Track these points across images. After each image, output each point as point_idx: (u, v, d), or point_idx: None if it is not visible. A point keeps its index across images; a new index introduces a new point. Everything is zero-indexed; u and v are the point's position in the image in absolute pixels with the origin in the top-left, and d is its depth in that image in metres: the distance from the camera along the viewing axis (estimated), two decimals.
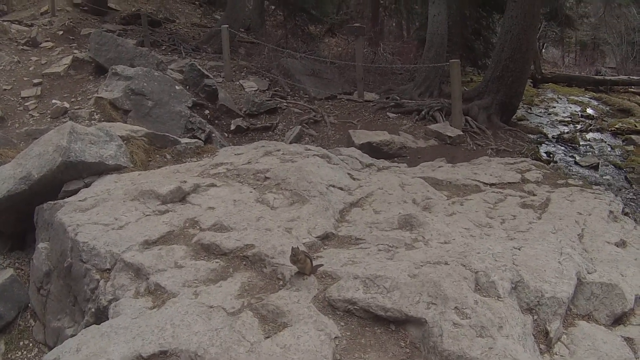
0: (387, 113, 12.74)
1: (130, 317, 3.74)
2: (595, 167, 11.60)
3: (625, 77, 21.60)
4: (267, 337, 3.46)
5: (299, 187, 5.75)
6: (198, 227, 4.97)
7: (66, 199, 5.56)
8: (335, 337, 3.49)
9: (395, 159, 9.59)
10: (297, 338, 3.41)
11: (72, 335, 4.07)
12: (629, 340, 3.81)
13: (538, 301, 3.88)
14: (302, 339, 3.41)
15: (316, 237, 4.85)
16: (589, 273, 4.33)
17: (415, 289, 3.74)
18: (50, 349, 4.69)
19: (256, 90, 13.75)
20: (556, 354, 3.59)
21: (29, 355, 5.18)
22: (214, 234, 4.78)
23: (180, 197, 5.53)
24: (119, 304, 4.01)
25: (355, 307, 3.74)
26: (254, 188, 5.85)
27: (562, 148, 12.83)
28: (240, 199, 5.54)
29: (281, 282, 4.10)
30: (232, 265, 4.38)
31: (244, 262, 4.40)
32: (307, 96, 13.96)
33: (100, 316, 4.15)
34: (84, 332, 3.66)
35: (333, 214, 5.41)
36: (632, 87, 20.65)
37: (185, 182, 5.75)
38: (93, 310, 4.27)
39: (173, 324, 3.55)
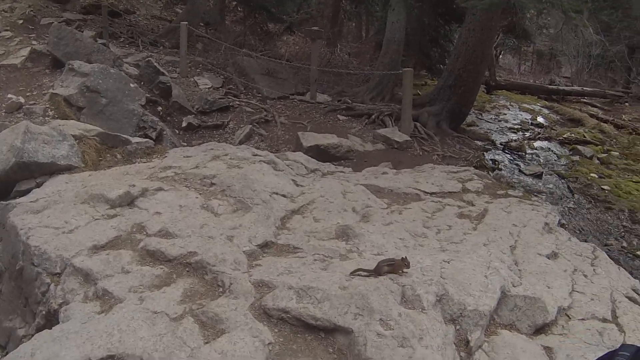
0: (338, 115, 12.90)
1: (80, 322, 3.92)
2: (539, 176, 11.77)
3: (578, 88, 21.94)
4: (207, 343, 3.71)
5: (243, 194, 6.00)
6: (145, 233, 5.18)
7: (18, 200, 5.68)
8: (269, 343, 3.75)
9: (342, 161, 9.79)
10: (234, 344, 3.67)
11: (24, 336, 4.26)
12: (547, 349, 4.12)
13: (461, 313, 4.16)
14: (239, 345, 3.66)
15: (256, 246, 5.10)
16: (514, 286, 4.63)
17: (344, 301, 4.01)
18: (2, 347, 4.85)
19: (210, 88, 13.81)
20: None
21: None
22: (160, 240, 4.99)
23: (129, 201, 5.71)
24: (69, 308, 4.18)
25: (289, 315, 4.00)
26: (200, 194, 6.08)
27: (508, 156, 13.04)
28: (186, 204, 5.76)
29: (221, 289, 4.34)
30: (175, 272, 4.60)
31: (187, 269, 4.63)
32: (260, 95, 14.04)
33: (51, 319, 4.31)
34: (37, 337, 3.83)
35: (274, 222, 5.66)
36: (585, 97, 21.05)
37: (134, 185, 5.92)
38: (44, 312, 4.43)
39: (120, 329, 3.75)
